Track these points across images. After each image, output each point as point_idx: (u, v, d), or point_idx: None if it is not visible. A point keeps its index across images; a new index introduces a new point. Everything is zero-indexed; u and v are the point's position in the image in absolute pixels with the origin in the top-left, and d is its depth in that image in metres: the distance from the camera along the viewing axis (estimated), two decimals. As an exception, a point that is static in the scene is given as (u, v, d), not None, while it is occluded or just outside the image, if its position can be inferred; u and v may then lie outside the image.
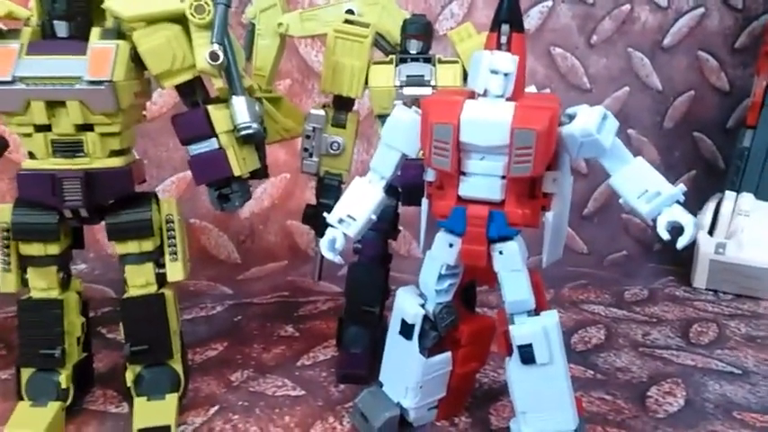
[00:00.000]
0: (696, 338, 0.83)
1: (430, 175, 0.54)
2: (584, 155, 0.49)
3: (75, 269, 0.68)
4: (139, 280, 0.58)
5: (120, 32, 0.55)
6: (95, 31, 0.54)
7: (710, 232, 1.04)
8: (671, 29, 1.24)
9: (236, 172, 0.57)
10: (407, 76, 0.66)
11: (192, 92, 0.58)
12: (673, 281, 1.06)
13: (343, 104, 0.70)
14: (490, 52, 0.48)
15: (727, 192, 1.06)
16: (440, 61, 0.67)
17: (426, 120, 0.50)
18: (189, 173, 0.61)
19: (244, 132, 0.57)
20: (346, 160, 0.71)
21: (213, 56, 0.54)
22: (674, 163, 1.27)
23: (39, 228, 0.56)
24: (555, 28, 1.21)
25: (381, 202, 0.55)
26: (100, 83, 0.52)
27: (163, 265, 0.59)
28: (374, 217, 0.55)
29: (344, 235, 0.54)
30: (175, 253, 0.59)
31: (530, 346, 0.51)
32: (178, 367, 0.61)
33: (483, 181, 0.49)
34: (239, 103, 0.57)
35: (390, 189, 0.56)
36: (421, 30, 0.68)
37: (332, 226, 0.55)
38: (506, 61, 0.48)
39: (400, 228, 0.74)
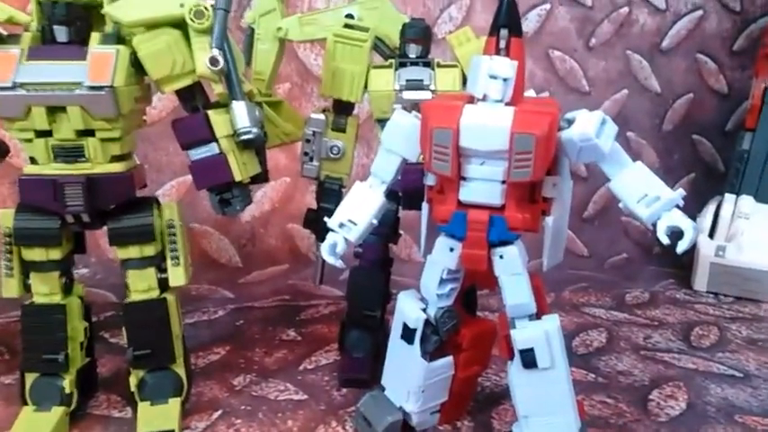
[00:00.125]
0: (697, 341, 0.83)
1: (430, 180, 0.54)
2: (583, 159, 0.49)
3: (77, 274, 0.68)
4: (141, 285, 0.59)
5: (119, 37, 0.55)
6: (95, 36, 0.54)
7: (711, 235, 1.04)
8: (669, 31, 1.24)
9: (237, 177, 0.58)
10: (407, 80, 0.66)
11: (192, 97, 0.58)
12: (673, 284, 1.06)
13: (342, 108, 0.70)
14: (489, 57, 0.48)
15: (727, 194, 1.06)
16: (439, 65, 0.67)
17: (426, 124, 0.50)
18: (189, 177, 0.61)
19: (244, 137, 0.57)
20: (346, 164, 0.71)
21: (213, 61, 0.54)
22: (674, 166, 1.26)
23: (41, 233, 0.56)
24: (553, 31, 1.21)
25: (382, 207, 0.55)
26: (100, 88, 0.53)
27: (164, 270, 0.59)
28: (375, 221, 0.55)
29: (345, 239, 0.54)
30: (177, 258, 0.59)
31: (531, 350, 0.51)
32: (181, 372, 0.61)
33: (483, 186, 0.49)
34: (239, 107, 0.57)
35: (391, 193, 0.56)
36: (420, 34, 0.68)
37: (333, 230, 0.55)
38: (505, 67, 0.48)
39: (401, 232, 0.74)
